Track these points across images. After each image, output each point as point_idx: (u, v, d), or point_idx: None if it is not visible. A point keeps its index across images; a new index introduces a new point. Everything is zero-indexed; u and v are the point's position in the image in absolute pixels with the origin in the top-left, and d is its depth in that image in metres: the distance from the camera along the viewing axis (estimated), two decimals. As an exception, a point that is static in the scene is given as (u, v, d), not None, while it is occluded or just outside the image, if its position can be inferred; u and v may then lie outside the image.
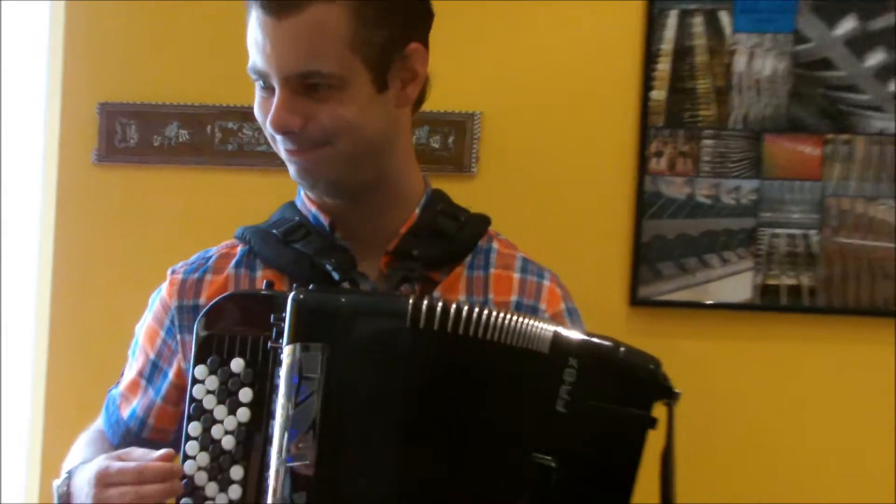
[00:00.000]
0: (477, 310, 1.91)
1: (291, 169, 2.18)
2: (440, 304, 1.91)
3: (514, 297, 2.27)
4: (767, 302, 2.78)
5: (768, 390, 2.80)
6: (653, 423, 1.90)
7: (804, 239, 2.77)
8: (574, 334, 1.94)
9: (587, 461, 1.92)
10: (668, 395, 1.92)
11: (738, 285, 2.78)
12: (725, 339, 2.81)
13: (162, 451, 1.98)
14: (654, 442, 1.89)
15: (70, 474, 2.13)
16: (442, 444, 1.94)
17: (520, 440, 1.92)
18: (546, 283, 2.32)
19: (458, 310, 1.91)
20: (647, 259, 2.79)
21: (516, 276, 2.30)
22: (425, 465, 1.94)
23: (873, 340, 2.78)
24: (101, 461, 2.03)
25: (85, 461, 2.13)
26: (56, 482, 2.16)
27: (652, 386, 1.93)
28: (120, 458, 2.02)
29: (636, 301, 2.80)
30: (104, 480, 1.99)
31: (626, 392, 1.92)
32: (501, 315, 1.92)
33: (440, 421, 1.94)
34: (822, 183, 2.77)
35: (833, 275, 2.76)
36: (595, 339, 1.94)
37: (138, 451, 2.02)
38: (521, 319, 1.92)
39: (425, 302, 1.92)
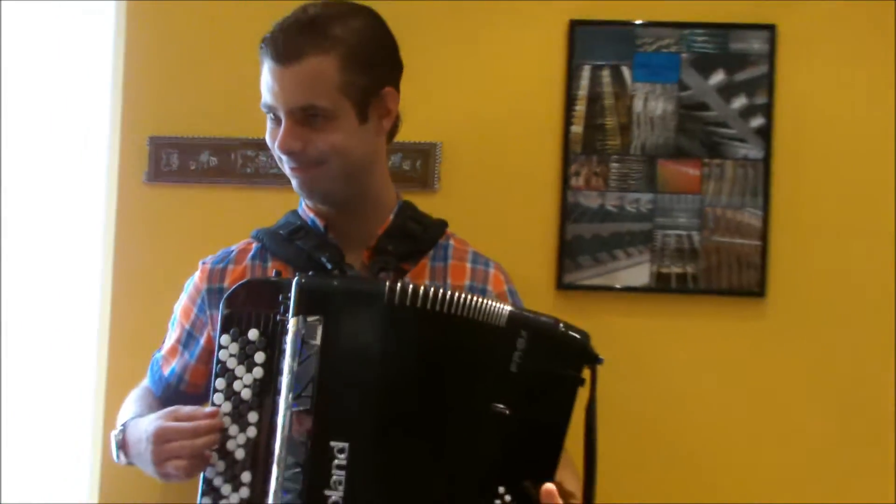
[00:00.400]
0: (442, 290, 2.00)
1: (294, 183, 2.26)
2: (411, 285, 1.99)
3: (467, 282, 2.35)
4: (661, 286, 2.83)
5: (662, 356, 2.84)
6: (582, 382, 2.00)
7: (688, 238, 2.82)
8: (525, 312, 2.03)
9: (533, 410, 1.99)
10: (595, 360, 2.01)
11: (638, 273, 2.82)
12: (630, 315, 2.84)
13: (209, 409, 2.04)
14: (581, 397, 1.99)
15: (125, 427, 2.22)
16: (417, 394, 2.01)
17: (481, 393, 1.99)
18: (491, 270, 2.40)
19: (426, 290, 2.00)
20: (569, 253, 2.83)
21: (468, 265, 2.38)
22: (402, 409, 2.00)
23: (743, 316, 2.82)
24: (154, 421, 2.10)
25: (137, 416, 2.23)
26: (113, 433, 2.26)
27: (583, 353, 2.01)
28: (172, 417, 2.08)
29: (561, 286, 2.84)
30: (163, 437, 2.05)
31: (563, 357, 2.00)
32: (466, 296, 2.00)
33: (415, 377, 2.01)
34: (702, 196, 2.82)
35: (711, 265, 2.81)
36: (541, 316, 2.03)
37: (185, 409, 2.09)
38: (483, 300, 2.00)
39: (399, 284, 2.00)
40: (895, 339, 2.80)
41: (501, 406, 1.99)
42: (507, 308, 2.01)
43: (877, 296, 2.81)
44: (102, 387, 2.88)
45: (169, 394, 2.40)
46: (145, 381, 2.49)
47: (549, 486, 1.95)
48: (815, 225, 2.82)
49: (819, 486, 2.81)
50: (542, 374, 2.00)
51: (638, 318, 2.84)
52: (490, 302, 2.00)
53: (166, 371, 2.41)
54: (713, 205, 2.81)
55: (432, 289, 2.00)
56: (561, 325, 2.03)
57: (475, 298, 2.00)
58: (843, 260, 2.81)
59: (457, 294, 2.00)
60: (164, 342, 2.45)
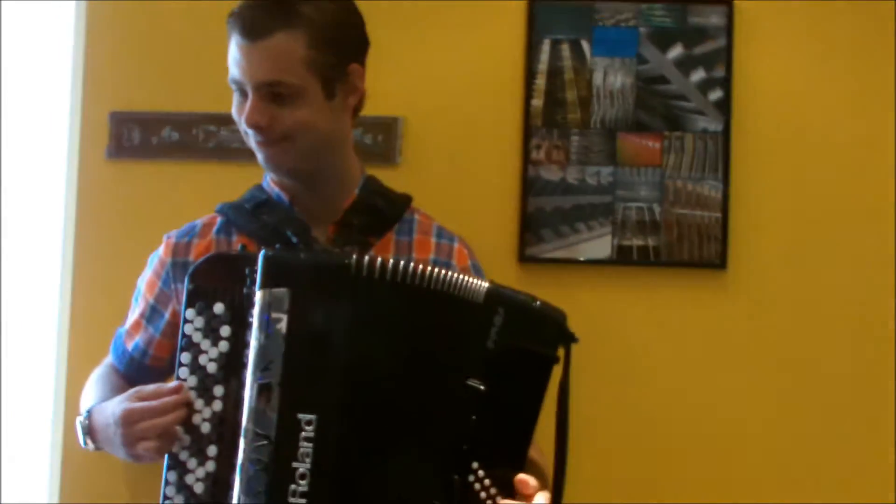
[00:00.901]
0: (414, 264, 2.01)
1: (260, 157, 2.27)
2: (380, 258, 2.00)
3: (431, 256, 2.38)
4: (623, 258, 2.84)
5: (624, 328, 2.87)
6: (557, 360, 2.01)
7: (649, 211, 2.84)
8: (503, 288, 2.03)
9: (508, 387, 2.00)
10: (570, 339, 2.01)
11: (600, 246, 2.84)
12: (591, 287, 2.86)
13: (173, 384, 2.05)
14: (553, 375, 2.00)
15: (90, 412, 2.22)
16: (388, 367, 2.02)
17: (456, 369, 2.00)
18: (456, 245, 2.42)
19: (395, 263, 2.00)
20: (531, 227, 2.85)
21: (433, 240, 2.40)
22: (372, 382, 2.01)
23: (703, 287, 2.85)
24: (120, 403, 2.10)
25: (101, 399, 2.23)
26: (79, 419, 2.25)
27: (559, 332, 2.02)
28: (137, 397, 2.09)
29: (523, 259, 2.85)
30: (130, 419, 2.05)
31: (539, 335, 2.01)
32: (442, 271, 2.01)
33: (386, 350, 2.02)
34: (662, 169, 2.84)
35: (672, 237, 2.83)
36: (518, 294, 2.04)
37: (148, 388, 2.09)
38: (461, 276, 2.01)
39: (367, 257, 2.00)
40: (854, 308, 2.83)
41: (476, 382, 2.00)
42: (485, 284, 2.01)
43: (835, 267, 2.83)
44: (64, 365, 2.87)
45: (133, 368, 2.41)
46: (108, 360, 2.50)
47: (522, 475, 1.98)
48: (774, 197, 2.85)
49: (779, 453, 2.84)
50: (518, 352, 2.00)
51: (600, 290, 2.86)
52: (468, 278, 2.01)
53: (129, 345, 2.42)
54: (673, 178, 2.83)
55: (402, 262, 2.00)
56: (538, 302, 2.04)
57: (452, 274, 2.01)
58: (802, 231, 2.84)
59: (432, 269, 2.01)
60: (127, 317, 2.45)
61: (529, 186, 2.85)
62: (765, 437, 2.85)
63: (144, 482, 2.65)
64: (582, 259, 2.85)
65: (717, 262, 2.82)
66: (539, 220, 2.85)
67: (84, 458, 2.59)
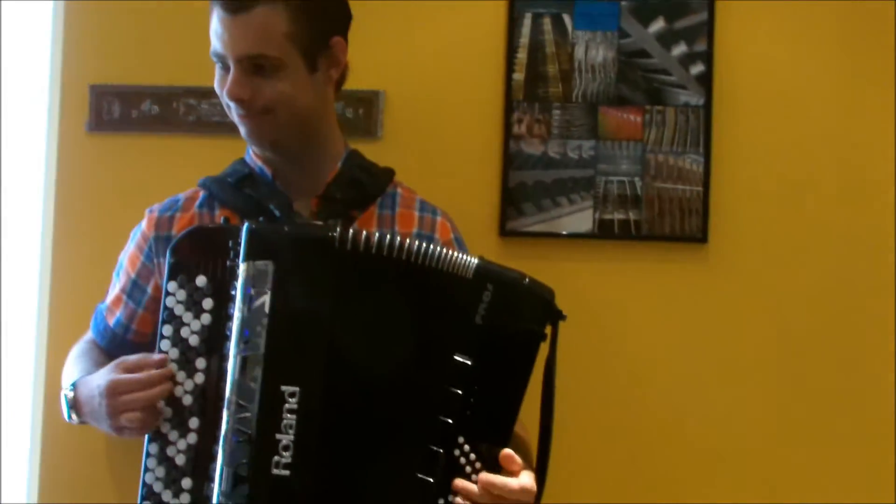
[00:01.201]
0: (401, 239, 2.04)
1: (242, 130, 2.28)
2: (366, 233, 2.03)
3: (414, 230, 2.39)
4: (604, 232, 2.84)
5: (605, 302, 2.86)
6: (544, 337, 2.05)
7: (631, 184, 2.84)
8: (491, 265, 2.06)
9: (495, 362, 2.04)
10: (559, 317, 2.07)
11: (581, 220, 2.84)
12: (573, 261, 2.86)
13: (157, 356, 2.07)
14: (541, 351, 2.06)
15: (75, 385, 2.22)
16: (373, 340, 2.04)
17: (444, 344, 2.04)
18: (438, 218, 2.44)
19: (381, 237, 2.03)
20: (512, 201, 2.85)
21: (416, 213, 2.41)
22: (357, 354, 2.03)
23: (684, 260, 2.86)
24: (105, 375, 2.11)
25: (85, 374, 2.24)
26: (63, 392, 2.27)
27: (547, 309, 2.07)
28: (122, 369, 2.10)
29: (505, 232, 2.85)
30: (115, 390, 2.07)
31: (527, 312, 2.05)
32: (430, 245, 2.04)
33: (371, 324, 2.04)
34: (643, 143, 2.84)
35: (653, 211, 2.83)
36: (507, 270, 2.08)
37: (131, 359, 2.11)
38: (450, 251, 2.05)
39: (352, 230, 2.02)
40: (836, 282, 2.84)
41: (464, 357, 2.02)
42: (474, 260, 2.04)
43: (817, 240, 2.84)
44: (45, 340, 2.85)
45: (115, 344, 2.41)
46: (88, 335, 2.50)
47: (508, 451, 2.00)
48: (755, 170, 2.84)
49: (761, 424, 2.86)
50: (506, 328, 2.04)
51: (581, 264, 2.85)
52: (457, 254, 2.04)
53: (111, 321, 2.42)
54: (654, 151, 2.84)
55: (388, 236, 2.02)
56: (527, 279, 2.07)
57: (441, 249, 2.03)
58: (784, 205, 2.84)
59: (420, 244, 2.03)
60: (108, 293, 2.46)
61: (511, 160, 2.85)
62: (746, 410, 2.86)
63: (126, 457, 2.65)
64: (563, 233, 2.85)
65: (699, 235, 2.83)
66: (520, 194, 2.85)
67: (65, 434, 2.66)
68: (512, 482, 1.99)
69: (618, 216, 2.84)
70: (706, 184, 2.83)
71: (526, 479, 2.01)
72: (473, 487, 1.99)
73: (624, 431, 2.87)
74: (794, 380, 2.85)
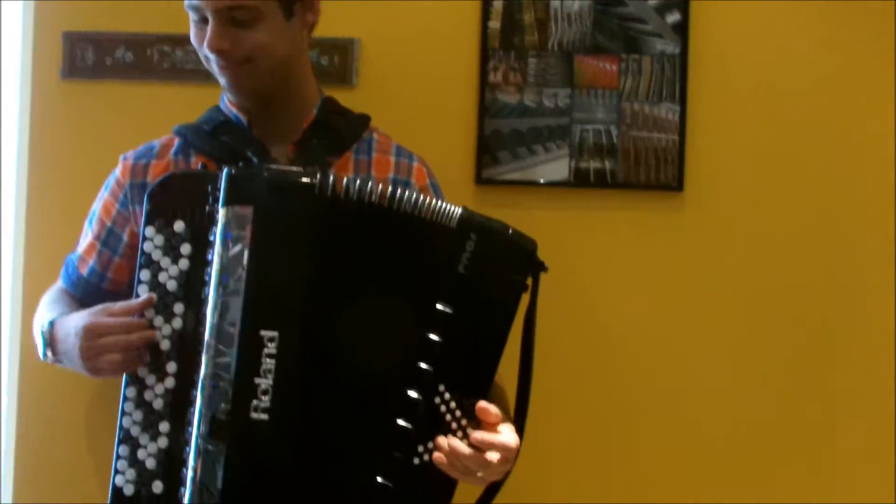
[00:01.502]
0: (383, 185, 2.04)
1: (223, 81, 2.28)
2: (346, 178, 2.03)
3: (391, 175, 2.39)
4: (580, 181, 2.85)
5: (581, 250, 2.87)
6: (526, 288, 2.07)
7: (606, 133, 2.84)
8: (475, 215, 2.07)
9: (476, 312, 2.05)
10: (541, 268, 2.09)
11: (557, 168, 2.84)
12: (549, 209, 2.86)
13: (143, 298, 2.07)
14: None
15: (52, 323, 2.22)
16: (353, 286, 2.05)
17: (425, 292, 2.04)
18: (415, 163, 2.44)
19: (362, 183, 2.03)
20: (488, 149, 2.85)
21: (392, 158, 2.41)
22: (337, 299, 2.04)
23: (659, 209, 2.87)
24: (86, 316, 2.12)
25: (63, 314, 2.23)
26: (40, 328, 2.27)
27: (529, 260, 2.08)
28: (106, 313, 2.10)
29: (480, 181, 2.86)
30: (95, 332, 2.08)
31: (510, 263, 2.06)
32: (414, 193, 2.04)
33: (352, 269, 2.05)
34: (619, 91, 2.84)
35: (628, 160, 2.84)
36: (491, 221, 2.08)
37: (118, 305, 2.11)
38: (434, 200, 2.05)
39: (332, 175, 2.03)
40: (812, 229, 2.86)
41: (445, 306, 2.03)
42: (458, 210, 2.05)
43: (792, 189, 2.85)
44: (20, 288, 2.86)
45: (89, 293, 2.41)
46: (58, 284, 2.49)
47: (484, 403, 2.01)
48: (731, 119, 2.85)
49: (733, 380, 2.88)
50: (488, 278, 2.05)
51: (557, 212, 2.86)
52: (441, 203, 2.04)
53: (84, 270, 2.41)
54: (630, 100, 2.84)
55: (370, 183, 2.02)
56: (511, 230, 2.07)
57: (424, 198, 2.04)
58: (759, 154, 2.85)
59: (403, 191, 2.03)
60: (79, 243, 2.45)
61: (486, 109, 2.85)
62: (722, 358, 2.88)
63: (101, 400, 2.69)
64: (539, 181, 2.85)
65: (674, 184, 2.83)
66: (496, 143, 2.85)
67: (41, 378, 2.71)
68: (493, 437, 2.01)
69: (594, 165, 2.84)
70: (682, 132, 2.84)
71: (508, 436, 2.03)
72: (461, 447, 2.00)
73: (599, 381, 2.88)
74: (771, 327, 2.86)
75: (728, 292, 2.85)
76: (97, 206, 2.42)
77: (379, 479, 2.04)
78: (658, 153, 2.83)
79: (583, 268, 2.87)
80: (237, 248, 2.01)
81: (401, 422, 2.04)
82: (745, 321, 2.86)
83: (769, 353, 2.86)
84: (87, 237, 2.43)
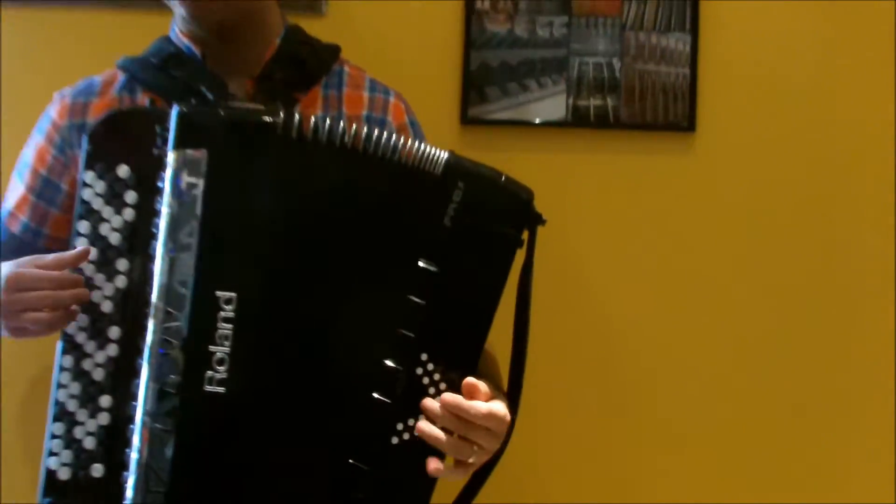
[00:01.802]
0: (357, 126, 1.98)
1: (184, 12, 2.21)
2: (325, 118, 1.97)
3: (364, 112, 2.36)
4: (578, 120, 2.82)
5: (579, 198, 2.86)
6: (521, 243, 2.00)
7: (608, 66, 2.81)
8: (464, 160, 2.01)
9: (464, 270, 1.99)
10: (538, 221, 2.02)
11: (553, 106, 2.81)
12: (544, 152, 2.84)
13: (79, 250, 2.00)
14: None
15: None
16: (323, 240, 2.00)
17: (407, 248, 1.99)
18: (391, 99, 2.40)
19: (335, 123, 1.98)
20: (474, 84, 2.82)
21: (365, 94, 2.37)
22: (305, 255, 1.99)
23: (668, 151, 2.84)
24: (10, 267, 2.04)
25: None
26: None
27: (525, 212, 2.01)
28: (34, 265, 2.03)
29: (466, 120, 2.83)
30: (20, 285, 1.99)
31: (503, 215, 2.00)
32: (393, 135, 1.99)
33: (322, 221, 2.00)
34: (622, 19, 2.80)
35: (633, 96, 2.80)
36: (481, 167, 2.01)
37: (49, 256, 2.03)
38: (417, 143, 1.99)
39: (300, 114, 1.98)
40: (835, 175, 2.86)
41: (429, 263, 1.98)
42: (444, 154, 1.99)
43: (816, 126, 2.85)
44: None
45: (23, 253, 2.25)
46: None
47: (471, 379, 1.95)
48: (747, 50, 2.85)
49: (751, 329, 2.89)
50: (478, 232, 1.99)
51: (552, 155, 2.84)
52: (425, 146, 1.99)
53: (16, 227, 2.35)
54: (635, 29, 2.81)
55: (343, 123, 1.98)
56: (503, 178, 2.02)
57: (406, 140, 1.99)
58: (779, 88, 2.84)
59: (381, 133, 1.99)
60: (6, 197, 2.39)
61: (473, 40, 2.82)
62: (736, 317, 2.88)
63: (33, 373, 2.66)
64: (533, 121, 2.82)
65: (685, 124, 2.81)
66: (484, 77, 2.82)
67: None
68: (480, 405, 1.95)
69: (594, 102, 2.81)
70: (693, 66, 2.81)
71: (497, 405, 1.98)
72: (438, 407, 1.96)
73: (594, 344, 2.89)
74: (789, 283, 2.87)
75: (743, 247, 2.85)
76: (28, 153, 2.35)
77: (352, 461, 1.98)
78: (667, 89, 2.80)
79: (581, 217, 2.86)
80: (189, 196, 1.94)
81: (377, 395, 1.97)
82: (761, 279, 2.86)
83: (791, 311, 2.88)
84: (17, 190, 2.35)
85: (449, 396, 1.94)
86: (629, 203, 2.87)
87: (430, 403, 1.96)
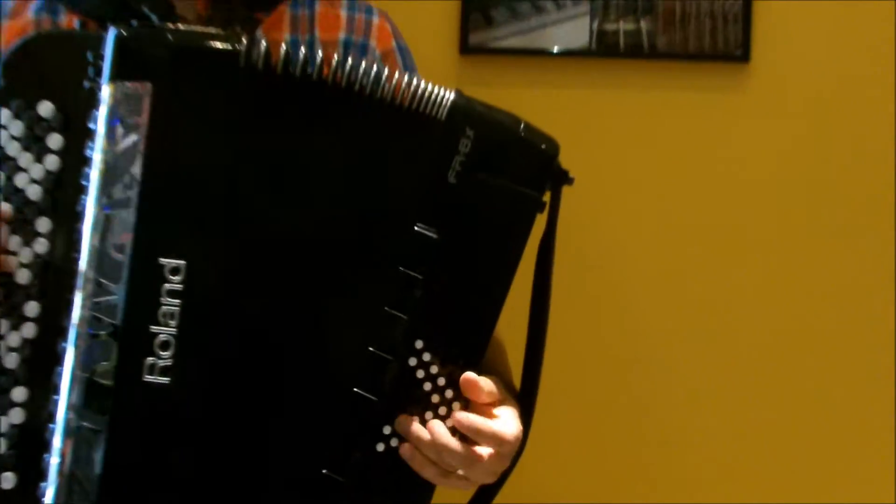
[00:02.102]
0: (340, 56, 1.85)
1: None
2: (284, 47, 1.83)
3: (342, 35, 2.25)
4: (605, 49, 2.81)
5: (605, 142, 2.88)
6: (542, 206, 1.88)
7: None
8: (474, 102, 1.87)
9: (472, 237, 1.87)
10: (564, 179, 1.90)
11: (573, 32, 2.81)
12: (562, 87, 2.84)
13: None
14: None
15: None
16: (296, 196, 1.87)
17: (401, 210, 1.86)
18: (375, 19, 2.30)
19: (311, 53, 1.84)
20: (477, 5, 2.81)
21: (343, 13, 2.28)
22: (272, 215, 1.86)
23: (716, 88, 2.82)
24: None
25: None
26: None
27: (547, 167, 1.88)
28: None
29: (467, 49, 2.82)
30: None
31: (520, 170, 1.87)
32: (387, 69, 1.86)
33: (296, 177, 1.86)
34: None
35: (673, 20, 2.78)
36: (495, 112, 1.88)
37: None
38: (416, 79, 1.86)
39: (265, 41, 1.83)
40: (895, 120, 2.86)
41: (428, 229, 1.83)
42: (451, 95, 1.85)
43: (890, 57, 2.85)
44: None
45: None
46: None
47: (469, 375, 1.83)
48: None
49: (801, 292, 2.93)
50: (490, 192, 1.85)
51: (573, 91, 2.84)
52: (427, 84, 1.84)
53: None
54: None
55: (321, 53, 1.84)
56: (523, 125, 1.86)
57: (404, 74, 1.85)
58: (849, 14, 2.86)
59: (369, 66, 1.85)
60: None
61: None
62: (792, 267, 2.91)
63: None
64: (550, 50, 2.81)
65: (737, 53, 2.79)
66: None
67: None
68: (483, 424, 1.83)
69: (624, 27, 2.79)
70: None
71: (506, 423, 1.85)
72: (440, 431, 1.83)
73: (619, 324, 2.93)
74: (852, 227, 2.92)
75: (802, 190, 2.89)
76: None
77: (325, 471, 1.85)
78: (715, 12, 2.77)
79: (607, 165, 2.84)
80: (129, 140, 1.79)
81: (359, 391, 1.83)
82: (826, 223, 2.90)
83: (847, 254, 2.93)
84: None
85: (438, 429, 1.83)
86: (667, 150, 2.85)
87: (417, 430, 1.84)
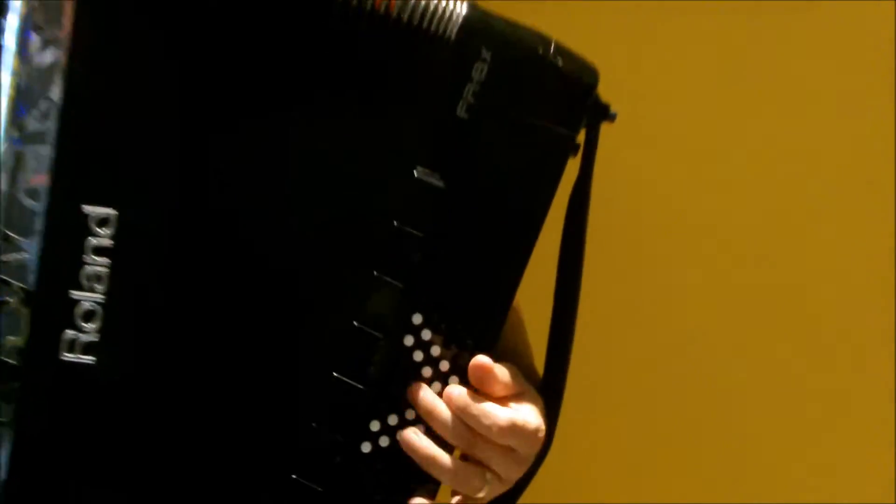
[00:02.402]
0: None
1: None
2: None
3: None
4: None
5: (659, 69, 2.89)
6: (576, 149, 1.68)
7: None
8: (491, 18, 1.67)
9: (487, 186, 1.69)
10: (604, 115, 1.69)
11: None
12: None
13: None
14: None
15: None
16: (264, 141, 1.66)
17: (399, 150, 1.67)
18: None
19: None
20: None
21: None
22: (231, 161, 1.66)
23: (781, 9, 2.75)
24: None
25: None
26: None
27: (583, 101, 1.67)
28: None
29: None
30: None
31: (550, 103, 1.68)
32: None
33: (264, 110, 1.66)
34: None
35: None
36: (519, 29, 1.67)
37: None
38: None
39: None
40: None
41: (431, 175, 1.63)
42: (462, 7, 1.65)
43: None
44: None
45: None
46: None
47: (482, 359, 1.63)
48: None
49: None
50: (509, 128, 1.63)
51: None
52: None
53: None
54: None
55: None
56: (553, 45, 1.65)
57: None
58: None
59: None
60: None
61: None
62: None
63: None
64: None
65: None
66: None
67: None
68: (496, 412, 1.62)
69: None
70: None
71: (525, 410, 1.65)
72: (436, 406, 1.64)
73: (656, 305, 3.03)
74: None
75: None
76: None
77: (296, 476, 1.65)
78: None
79: (656, 106, 2.81)
80: (46, 56, 1.62)
81: (340, 376, 1.63)
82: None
83: None
84: None
85: (455, 392, 1.63)
86: (736, 81, 2.80)
87: (426, 398, 1.64)
